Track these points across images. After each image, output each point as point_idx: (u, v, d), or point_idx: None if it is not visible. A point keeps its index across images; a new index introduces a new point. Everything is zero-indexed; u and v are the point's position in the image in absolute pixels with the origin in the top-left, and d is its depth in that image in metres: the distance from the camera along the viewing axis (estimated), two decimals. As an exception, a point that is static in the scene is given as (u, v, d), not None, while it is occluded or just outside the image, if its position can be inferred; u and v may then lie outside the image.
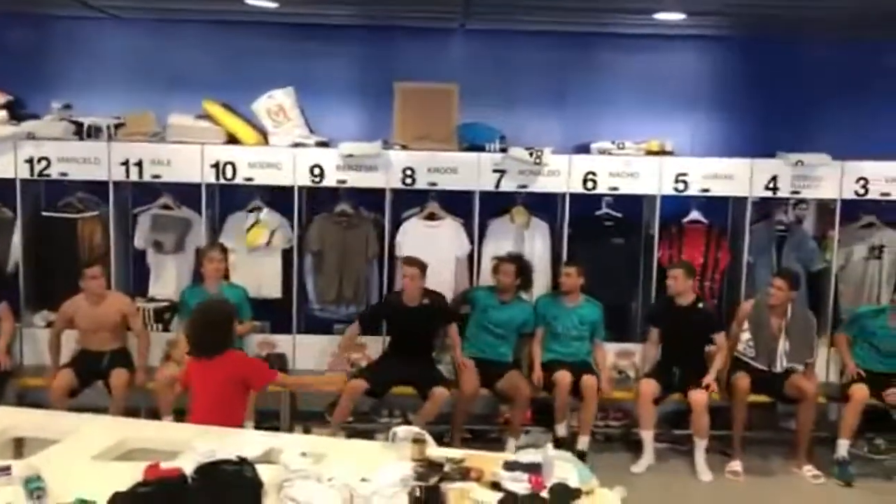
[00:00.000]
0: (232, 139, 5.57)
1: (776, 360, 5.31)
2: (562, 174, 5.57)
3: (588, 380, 5.26)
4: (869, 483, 5.12)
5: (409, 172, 5.50)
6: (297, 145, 5.51)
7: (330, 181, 5.50)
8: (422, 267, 5.27)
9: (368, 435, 5.03)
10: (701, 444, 5.19)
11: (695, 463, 5.19)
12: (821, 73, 5.97)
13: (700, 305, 5.43)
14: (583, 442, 5.24)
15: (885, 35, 5.75)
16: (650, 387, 5.28)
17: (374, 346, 5.55)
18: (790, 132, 5.82)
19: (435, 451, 3.21)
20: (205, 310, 3.96)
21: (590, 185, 5.58)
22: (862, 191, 5.58)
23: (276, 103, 5.54)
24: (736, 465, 5.24)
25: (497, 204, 5.71)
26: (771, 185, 5.57)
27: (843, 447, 5.16)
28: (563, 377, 5.20)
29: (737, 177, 5.58)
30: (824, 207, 5.81)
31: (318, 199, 5.72)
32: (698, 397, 5.15)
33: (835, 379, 5.61)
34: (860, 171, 5.56)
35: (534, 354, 5.49)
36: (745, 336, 5.38)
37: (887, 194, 5.59)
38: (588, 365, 5.45)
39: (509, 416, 5.44)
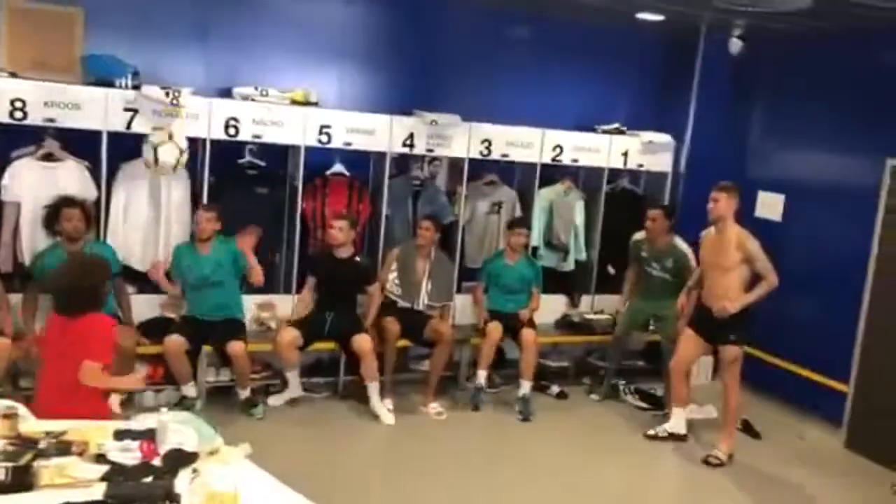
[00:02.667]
0: None
1: (418, 299, 5.69)
2: (202, 118, 5.28)
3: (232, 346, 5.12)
4: (488, 411, 5.75)
5: (19, 105, 4.80)
6: None
7: (-90, 110, 4.60)
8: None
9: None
10: (374, 387, 5.40)
11: (372, 406, 5.38)
12: (457, 38, 6.34)
13: (357, 259, 5.58)
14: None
15: (513, 7, 6.28)
16: (290, 335, 5.33)
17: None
18: (428, 92, 6.12)
19: (33, 426, 2.88)
20: (80, 262, 3.81)
21: (232, 131, 5.37)
22: (486, 151, 6.11)
23: None
24: (388, 403, 5.49)
25: (129, 146, 5.24)
26: (408, 142, 5.86)
27: (481, 377, 5.75)
28: (237, 347, 5.10)
29: (378, 132, 5.76)
30: (455, 165, 6.25)
31: None
32: (364, 345, 5.32)
33: (463, 321, 6.14)
34: (485, 134, 6.08)
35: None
36: (392, 276, 5.68)
37: (507, 155, 6.20)
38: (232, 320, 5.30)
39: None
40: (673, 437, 5.45)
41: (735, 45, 6.44)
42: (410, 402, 5.73)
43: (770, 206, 6.34)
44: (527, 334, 5.79)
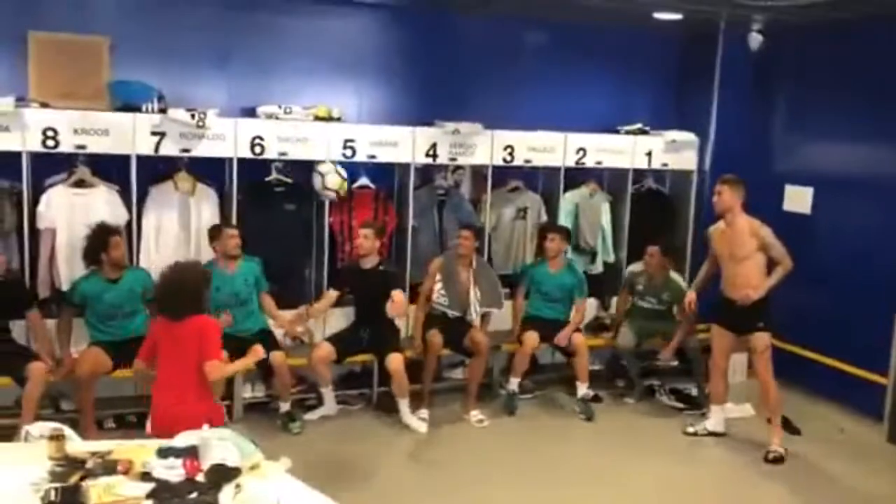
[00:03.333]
0: None
1: (469, 308, 5.70)
2: (228, 138, 5.35)
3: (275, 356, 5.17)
4: (524, 416, 5.78)
5: (50, 134, 4.90)
6: None
7: (-54, 144, 4.71)
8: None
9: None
10: (404, 402, 5.43)
11: (403, 418, 5.41)
12: (475, 47, 6.37)
13: (382, 267, 5.57)
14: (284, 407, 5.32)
15: (528, 14, 6.31)
16: (324, 350, 5.38)
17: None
18: (448, 102, 6.15)
19: (79, 446, 2.94)
20: (180, 269, 3.88)
21: (258, 149, 5.44)
22: (509, 158, 6.12)
23: None
24: (423, 413, 5.50)
25: (157, 169, 5.33)
26: (431, 152, 5.89)
27: (514, 383, 5.80)
28: (279, 357, 5.14)
29: (400, 143, 5.80)
30: (478, 173, 6.27)
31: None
32: (395, 364, 5.32)
33: (496, 328, 6.07)
34: (508, 140, 6.09)
35: None
36: (438, 286, 5.68)
37: (529, 161, 6.21)
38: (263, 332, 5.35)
39: None
40: (713, 434, 5.44)
41: (755, 40, 6.41)
42: (446, 411, 5.72)
43: (798, 199, 6.28)
44: (577, 339, 5.83)
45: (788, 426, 5.60)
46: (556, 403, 6.03)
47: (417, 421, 5.41)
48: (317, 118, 5.64)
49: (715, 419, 5.48)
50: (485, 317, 5.91)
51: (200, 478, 2.76)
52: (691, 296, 5.46)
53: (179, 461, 2.81)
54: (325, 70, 6.00)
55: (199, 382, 3.62)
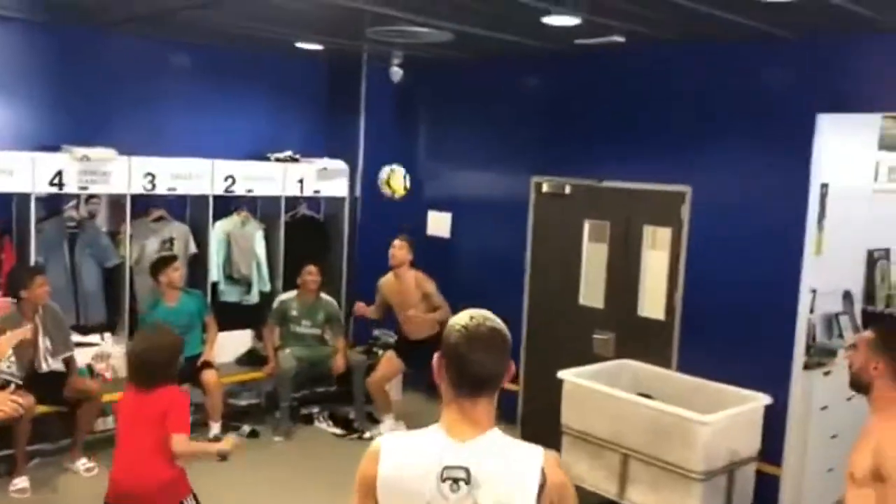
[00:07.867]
0: None
1: (41, 362, 5.02)
2: None
3: None
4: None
5: None
6: None
7: None
8: None
9: None
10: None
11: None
12: (113, 67, 5.87)
13: None
14: None
15: (172, 35, 5.96)
16: None
17: None
18: (79, 125, 5.62)
19: None
20: (151, 336, 3.72)
21: None
22: (150, 186, 5.74)
23: None
24: (22, 481, 4.83)
25: None
26: (57, 181, 5.31)
27: None
28: None
29: (18, 171, 5.15)
30: (116, 202, 5.80)
31: None
32: None
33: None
34: (148, 167, 5.71)
35: None
36: (8, 354, 4.80)
37: (174, 189, 5.88)
38: None
39: None
40: None
41: (395, 73, 6.72)
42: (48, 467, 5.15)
43: (439, 224, 6.71)
44: (208, 376, 5.56)
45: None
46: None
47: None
48: None
49: (388, 423, 5.90)
50: (70, 364, 5.26)
51: None
52: (364, 309, 6.05)
53: None
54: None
55: (162, 452, 3.38)
